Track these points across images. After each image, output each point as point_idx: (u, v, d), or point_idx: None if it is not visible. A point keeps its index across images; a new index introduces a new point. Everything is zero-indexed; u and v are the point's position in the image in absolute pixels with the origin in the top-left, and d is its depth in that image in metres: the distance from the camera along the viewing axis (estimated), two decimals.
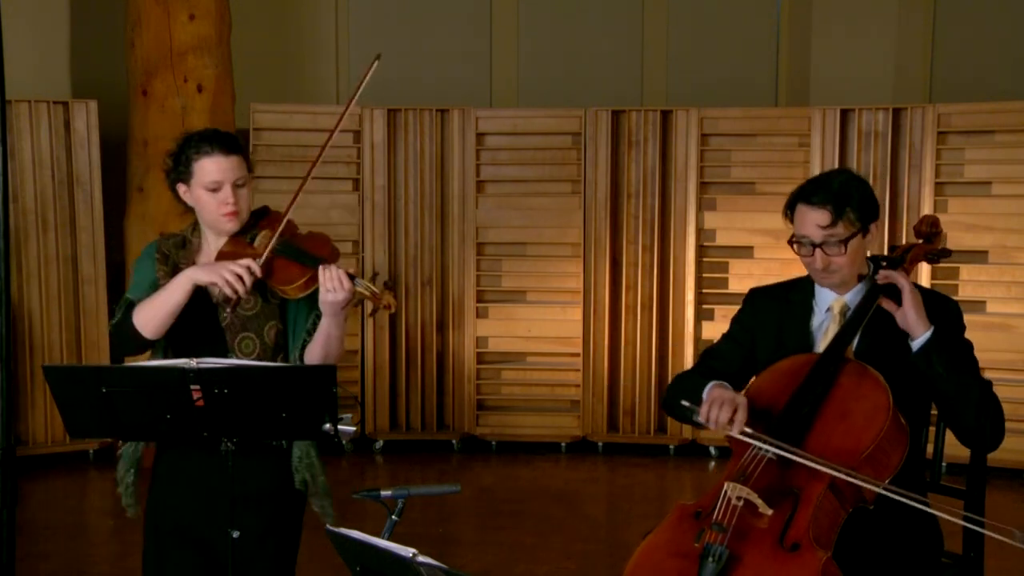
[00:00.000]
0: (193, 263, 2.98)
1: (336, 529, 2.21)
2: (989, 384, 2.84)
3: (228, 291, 2.83)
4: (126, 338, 2.93)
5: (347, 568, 2.27)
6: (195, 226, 3.06)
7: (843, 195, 2.81)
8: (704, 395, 2.82)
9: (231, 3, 6.50)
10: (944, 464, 3.14)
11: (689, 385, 2.93)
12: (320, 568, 4.14)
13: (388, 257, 6.77)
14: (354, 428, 2.73)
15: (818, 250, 2.83)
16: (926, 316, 2.77)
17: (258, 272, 2.84)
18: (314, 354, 2.96)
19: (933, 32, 7.29)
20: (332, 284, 2.83)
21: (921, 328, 2.76)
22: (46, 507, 5.64)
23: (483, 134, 6.83)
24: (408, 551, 2.02)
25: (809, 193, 2.85)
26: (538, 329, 6.87)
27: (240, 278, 2.81)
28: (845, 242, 2.81)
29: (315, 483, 3.02)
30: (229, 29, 6.46)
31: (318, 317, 2.96)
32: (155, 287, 2.94)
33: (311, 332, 2.98)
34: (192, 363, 2.53)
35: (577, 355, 6.84)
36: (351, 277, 2.85)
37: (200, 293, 2.94)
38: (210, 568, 2.92)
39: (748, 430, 2.71)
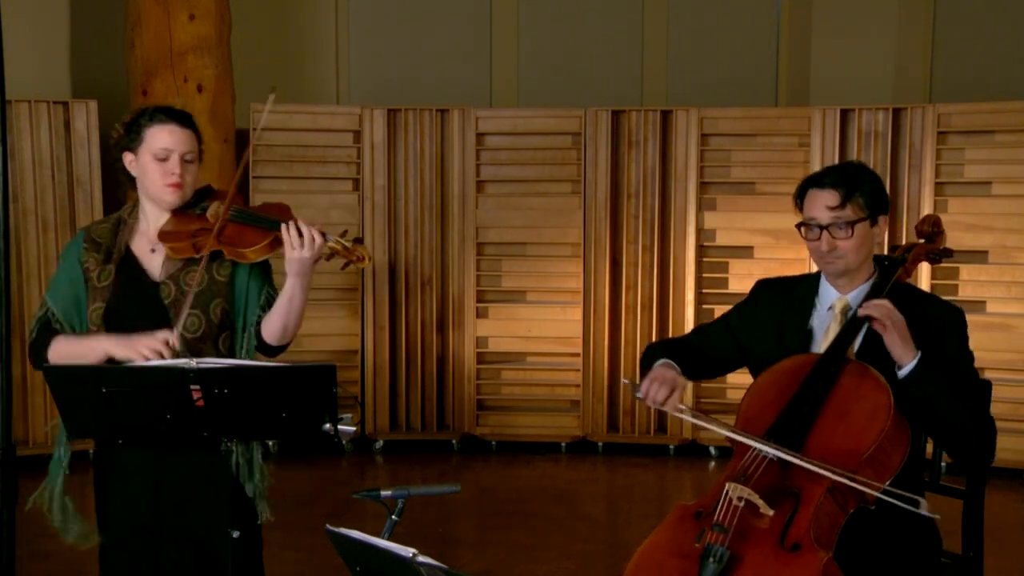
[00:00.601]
0: (127, 244, 2.96)
1: (336, 529, 2.21)
2: (986, 388, 2.83)
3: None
4: (39, 358, 2.92)
5: (347, 568, 2.27)
6: (134, 206, 3.02)
7: (854, 180, 2.86)
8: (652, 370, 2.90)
9: (231, 3, 6.50)
10: (944, 464, 3.14)
11: (650, 357, 2.99)
12: (320, 568, 4.15)
13: (388, 257, 6.77)
14: (354, 428, 2.73)
15: (824, 232, 2.84)
16: (912, 343, 2.73)
17: (175, 344, 2.77)
18: (273, 324, 2.93)
19: (933, 32, 7.29)
20: (297, 240, 2.79)
21: (907, 357, 2.72)
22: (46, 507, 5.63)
23: (483, 134, 6.83)
24: (408, 551, 2.02)
25: (820, 177, 2.90)
26: (538, 329, 6.87)
27: (160, 354, 2.74)
28: (852, 225, 2.82)
29: (258, 484, 2.98)
30: (229, 29, 6.47)
31: (271, 294, 2.96)
32: (73, 287, 2.91)
33: (265, 309, 2.95)
34: (192, 363, 2.52)
35: (577, 355, 6.84)
36: (323, 234, 2.82)
37: (138, 271, 2.92)
38: (165, 566, 2.92)
39: (683, 406, 2.80)
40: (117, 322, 2.88)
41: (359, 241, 2.89)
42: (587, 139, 6.75)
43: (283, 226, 2.82)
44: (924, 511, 2.61)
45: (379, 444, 6.86)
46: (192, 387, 2.53)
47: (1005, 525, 5.33)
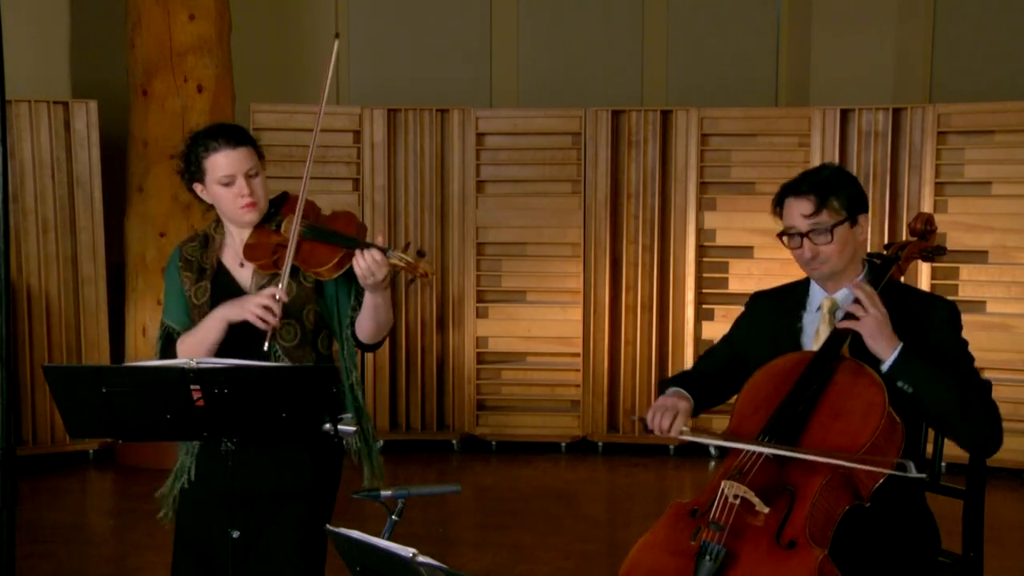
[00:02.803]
0: (218, 260, 2.99)
1: (336, 529, 2.21)
2: (985, 387, 2.82)
3: (261, 326, 2.80)
4: None
5: (347, 568, 2.27)
6: (217, 222, 3.06)
7: (826, 185, 2.86)
8: None
9: (231, 3, 6.51)
10: (944, 464, 3.14)
11: (662, 392, 3.01)
12: None
13: None
14: (354, 428, 2.74)
15: (806, 240, 2.86)
16: (891, 336, 2.74)
17: (284, 297, 2.81)
18: (365, 326, 2.96)
19: (933, 32, 7.29)
20: (369, 269, 2.81)
21: (886, 351, 2.74)
22: (46, 507, 5.64)
23: (483, 134, 6.83)
24: (408, 551, 2.02)
25: (795, 185, 2.91)
26: (538, 329, 6.87)
27: (269, 309, 2.79)
28: (831, 230, 2.83)
29: (375, 466, 3.12)
30: (229, 29, 6.47)
31: (360, 290, 2.96)
32: (183, 303, 2.96)
33: (356, 308, 2.97)
34: (192, 363, 2.53)
35: (577, 355, 6.84)
36: (383, 250, 2.82)
37: (232, 285, 2.96)
38: (236, 569, 2.91)
39: (686, 428, 2.81)
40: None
41: (421, 254, 2.88)
42: (587, 139, 6.75)
43: (357, 253, 2.82)
44: (912, 472, 2.61)
45: (379, 444, 6.84)
46: (192, 387, 2.53)
47: (1005, 525, 5.33)
